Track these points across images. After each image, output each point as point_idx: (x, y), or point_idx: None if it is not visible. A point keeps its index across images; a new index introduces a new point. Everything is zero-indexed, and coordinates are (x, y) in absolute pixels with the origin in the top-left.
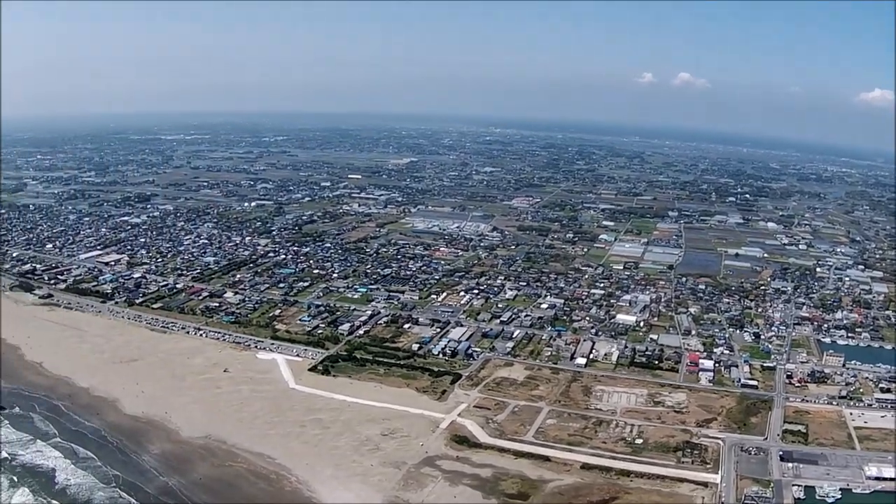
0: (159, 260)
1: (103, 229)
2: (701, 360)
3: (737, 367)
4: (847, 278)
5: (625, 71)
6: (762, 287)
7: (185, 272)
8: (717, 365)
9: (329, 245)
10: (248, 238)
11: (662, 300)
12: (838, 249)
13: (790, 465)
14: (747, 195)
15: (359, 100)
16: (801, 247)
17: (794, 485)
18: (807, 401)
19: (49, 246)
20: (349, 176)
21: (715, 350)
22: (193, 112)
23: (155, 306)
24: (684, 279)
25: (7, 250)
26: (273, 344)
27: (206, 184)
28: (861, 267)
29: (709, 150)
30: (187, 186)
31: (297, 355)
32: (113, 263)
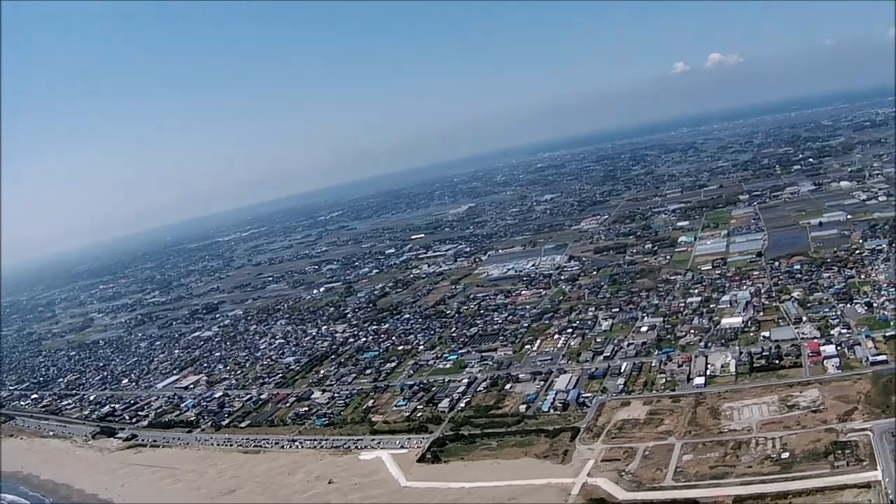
0: (238, 372)
1: (176, 351)
2: (822, 348)
3: (859, 344)
4: None
5: (659, 67)
6: (857, 251)
7: (266, 379)
8: (839, 348)
9: (408, 316)
10: (324, 327)
11: (762, 292)
12: None
13: None
14: (811, 159)
15: (402, 158)
16: (880, 199)
17: None
18: None
19: (125, 381)
20: (412, 237)
21: (832, 332)
22: (243, 207)
23: (243, 425)
24: (777, 263)
25: (83, 394)
26: (373, 440)
27: (271, 278)
28: None
29: (758, 124)
30: (253, 286)
31: (402, 446)
32: (192, 386)
